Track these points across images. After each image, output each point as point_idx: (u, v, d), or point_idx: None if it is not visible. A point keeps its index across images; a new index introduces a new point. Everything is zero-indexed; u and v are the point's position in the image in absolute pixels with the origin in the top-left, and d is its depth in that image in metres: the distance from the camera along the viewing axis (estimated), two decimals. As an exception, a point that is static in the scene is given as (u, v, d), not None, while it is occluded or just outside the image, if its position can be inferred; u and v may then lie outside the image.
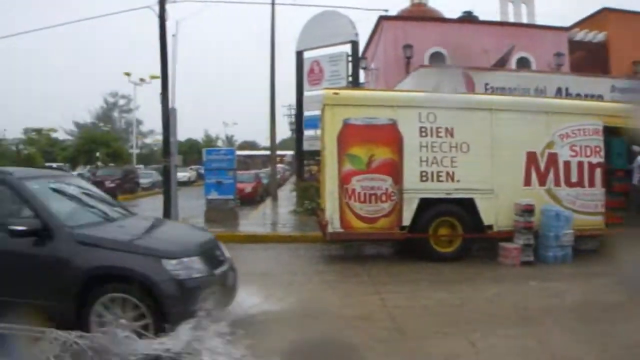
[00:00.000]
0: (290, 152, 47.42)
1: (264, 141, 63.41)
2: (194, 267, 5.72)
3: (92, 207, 6.73)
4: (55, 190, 6.54)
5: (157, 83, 16.98)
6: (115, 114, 75.65)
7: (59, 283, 5.53)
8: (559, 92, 16.53)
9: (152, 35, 17.03)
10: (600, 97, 15.90)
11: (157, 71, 16.33)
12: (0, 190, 6.09)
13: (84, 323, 5.40)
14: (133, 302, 5.44)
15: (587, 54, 25.59)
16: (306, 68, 21.16)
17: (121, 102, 74.23)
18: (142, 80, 44.54)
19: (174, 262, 5.59)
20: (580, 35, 26.48)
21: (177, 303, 5.45)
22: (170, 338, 5.09)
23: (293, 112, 35.62)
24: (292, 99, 23.95)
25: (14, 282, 5.60)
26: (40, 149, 54.22)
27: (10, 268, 5.67)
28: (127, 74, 44.69)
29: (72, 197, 6.66)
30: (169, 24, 17.47)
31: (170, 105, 16.11)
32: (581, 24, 27.63)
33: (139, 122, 64.97)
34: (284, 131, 65.47)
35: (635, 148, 11.37)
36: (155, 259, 5.60)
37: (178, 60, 33.36)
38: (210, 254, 6.26)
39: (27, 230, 5.62)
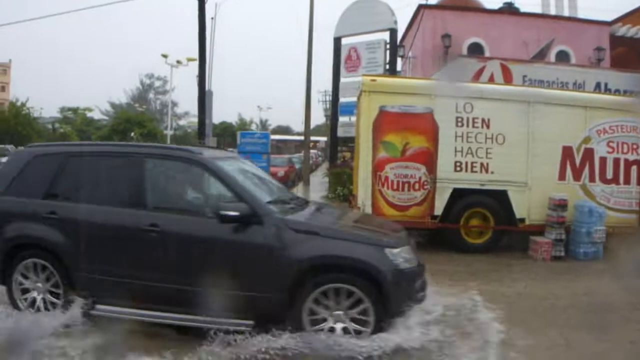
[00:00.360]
0: (324, 138, 47.52)
1: (298, 126, 63.63)
2: (408, 257, 5.46)
3: (275, 191, 6.45)
4: (242, 172, 6.24)
5: (194, 66, 17.34)
6: (151, 95, 76.87)
7: (272, 273, 5.23)
8: (597, 87, 16.33)
9: (192, 18, 17.29)
10: (641, 94, 15.64)
11: (194, 54, 16.61)
12: (193, 171, 5.88)
13: (296, 315, 5.19)
14: (347, 291, 5.16)
15: (629, 49, 25.02)
16: (343, 54, 21.21)
17: (157, 83, 75.41)
18: (179, 62, 45.00)
19: (394, 251, 5.35)
20: (623, 30, 25.86)
21: (400, 294, 5.27)
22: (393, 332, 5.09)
23: (328, 98, 35.70)
24: (328, 86, 24.04)
25: (219, 272, 5.24)
26: (76, 128, 55.40)
27: (213, 256, 5.42)
28: (165, 56, 45.17)
29: (256, 180, 6.36)
30: (208, 7, 17.68)
31: (206, 88, 16.34)
32: (624, 18, 26.96)
33: (174, 104, 65.85)
34: (318, 117, 65.47)
35: None
36: (378, 248, 5.34)
37: (216, 43, 33.74)
38: (411, 244, 5.98)
39: (239, 216, 5.26)
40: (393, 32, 20.45)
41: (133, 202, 5.68)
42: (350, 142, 17.87)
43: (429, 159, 10.43)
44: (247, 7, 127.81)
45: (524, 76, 16.44)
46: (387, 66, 20.36)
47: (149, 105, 73.39)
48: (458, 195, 10.50)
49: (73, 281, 5.69)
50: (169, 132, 53.72)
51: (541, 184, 10.57)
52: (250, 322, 5.16)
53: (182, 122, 73.51)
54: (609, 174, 10.98)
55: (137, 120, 41.75)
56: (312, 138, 30.22)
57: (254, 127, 72.03)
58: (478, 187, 10.56)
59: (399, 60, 24.17)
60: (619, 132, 11.03)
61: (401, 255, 5.37)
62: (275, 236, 5.27)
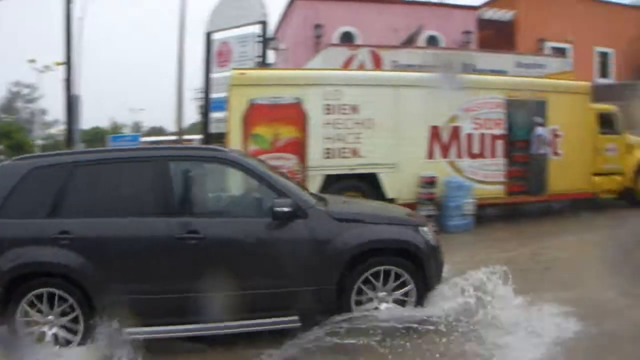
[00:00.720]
0: (199, 136, 46.79)
1: (172, 126, 62.26)
2: (433, 234, 5.77)
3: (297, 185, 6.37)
4: (265, 168, 6.01)
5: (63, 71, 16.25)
6: (19, 104, 72.01)
7: (323, 265, 5.24)
8: (465, 69, 17.03)
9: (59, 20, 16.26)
10: (504, 72, 16.51)
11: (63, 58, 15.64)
12: (225, 171, 5.78)
13: (345, 303, 5.28)
14: (390, 272, 5.37)
15: (496, 31, 26.40)
16: (215, 49, 20.77)
17: (25, 91, 70.73)
18: (46, 67, 42.42)
19: (425, 229, 5.67)
20: (490, 13, 27.26)
21: (435, 268, 5.59)
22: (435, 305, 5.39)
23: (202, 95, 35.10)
24: (202, 83, 23.63)
25: (268, 272, 5.26)
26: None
27: (262, 256, 5.28)
28: (32, 61, 42.55)
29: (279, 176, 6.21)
30: (76, 7, 16.73)
31: (74, 92, 15.46)
32: (492, 2, 28.43)
33: (43, 112, 62.15)
34: (193, 115, 64.25)
35: (536, 119, 11.83)
36: (414, 228, 5.64)
37: (85, 45, 32.12)
38: None
39: (291, 211, 5.17)
40: (264, 24, 20.23)
41: (161, 210, 5.18)
42: (223, 138, 17.54)
43: (299, 148, 10.37)
44: (117, 6, 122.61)
45: (394, 61, 16.85)
46: (259, 59, 20.15)
47: (18, 115, 68.84)
48: (331, 181, 10.54)
49: (96, 307, 4.94)
50: (39, 142, 50.78)
51: (410, 164, 10.84)
52: (295, 317, 5.14)
53: (52, 131, 69.46)
54: (476, 149, 11.47)
55: (4, 132, 38.94)
56: (187, 137, 29.51)
57: (126, 130, 69.37)
58: (348, 171, 10.66)
59: (271, 52, 24.04)
60: (484, 109, 11.53)
61: (430, 233, 5.69)
62: (323, 228, 5.31)
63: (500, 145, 11.67)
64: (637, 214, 12.37)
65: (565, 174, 12.04)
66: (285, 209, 5.15)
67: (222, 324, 5.06)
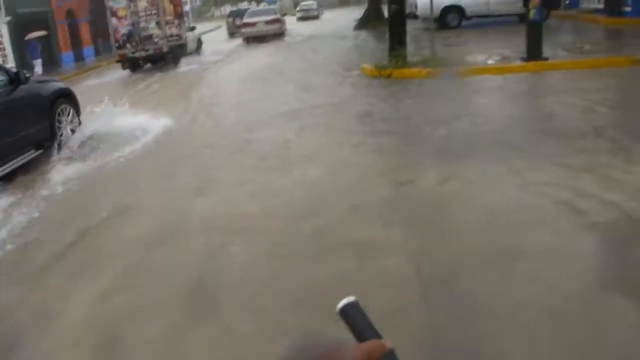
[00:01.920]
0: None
1: None
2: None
3: None
4: None
5: None
6: None
7: (40, 109, 8.08)
8: None
9: None
10: None
11: None
12: None
13: (54, 131, 8.37)
14: (66, 108, 8.87)
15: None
16: None
17: None
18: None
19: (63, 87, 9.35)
20: None
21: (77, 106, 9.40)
22: None
23: None
24: None
25: (15, 121, 7.47)
26: None
27: (9, 110, 7.41)
28: None
29: None
30: None
31: None
32: None
33: None
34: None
35: None
36: (64, 85, 9.54)
37: None
38: None
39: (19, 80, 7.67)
40: None
41: None
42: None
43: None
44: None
45: None
46: None
47: None
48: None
49: None
50: None
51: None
52: (33, 150, 7.68)
53: None
54: None
55: None
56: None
57: None
58: None
59: None
60: None
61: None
62: (35, 87, 8.21)
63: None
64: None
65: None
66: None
67: None
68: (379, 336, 0.72)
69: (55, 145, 8.10)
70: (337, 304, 0.76)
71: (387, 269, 3.88)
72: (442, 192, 5.25)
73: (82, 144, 8.47)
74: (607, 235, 4.04)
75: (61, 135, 8.45)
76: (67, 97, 8.90)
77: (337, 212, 4.93)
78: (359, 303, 0.76)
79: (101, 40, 28.02)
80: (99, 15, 25.43)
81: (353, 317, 0.75)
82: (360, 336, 0.73)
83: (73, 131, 8.74)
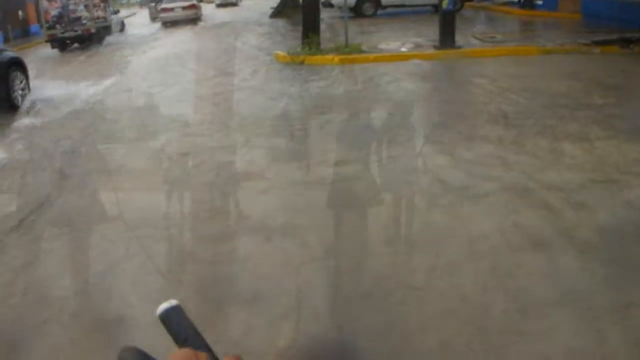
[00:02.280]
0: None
1: None
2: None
3: None
4: None
5: None
6: None
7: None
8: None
9: None
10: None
11: None
12: None
13: (10, 97, 9.53)
14: (17, 74, 9.92)
15: None
16: None
17: None
18: None
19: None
20: None
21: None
22: None
23: None
24: None
25: None
26: None
27: None
28: None
29: None
30: None
31: None
32: None
33: None
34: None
35: None
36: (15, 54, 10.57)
37: None
38: None
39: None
40: None
41: None
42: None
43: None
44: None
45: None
46: None
47: None
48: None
49: None
50: None
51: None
52: None
53: None
54: None
55: None
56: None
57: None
58: None
59: None
60: None
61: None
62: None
63: None
64: None
65: None
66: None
67: None
68: (202, 341, 0.69)
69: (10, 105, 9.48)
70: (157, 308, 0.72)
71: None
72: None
73: (32, 105, 9.87)
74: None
75: (15, 99, 9.62)
76: (19, 65, 10.09)
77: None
78: (181, 307, 0.72)
79: (10, 27, 26.71)
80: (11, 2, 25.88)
81: (175, 321, 0.71)
82: (182, 342, 0.69)
83: (23, 97, 9.98)
